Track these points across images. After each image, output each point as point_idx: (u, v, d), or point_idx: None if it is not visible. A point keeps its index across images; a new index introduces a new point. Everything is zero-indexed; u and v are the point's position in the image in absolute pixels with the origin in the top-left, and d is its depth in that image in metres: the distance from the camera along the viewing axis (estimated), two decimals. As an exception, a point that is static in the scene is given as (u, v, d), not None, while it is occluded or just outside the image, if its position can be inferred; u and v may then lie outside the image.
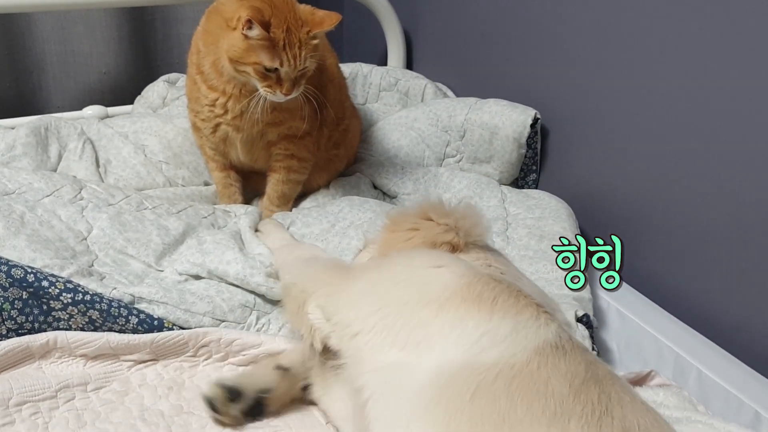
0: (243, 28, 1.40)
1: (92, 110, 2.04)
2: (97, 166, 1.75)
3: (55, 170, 1.73)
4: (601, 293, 1.54)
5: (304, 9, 1.47)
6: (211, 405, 1.15)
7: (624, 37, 1.64)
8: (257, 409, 1.18)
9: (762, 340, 1.38)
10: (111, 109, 2.08)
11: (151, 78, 2.32)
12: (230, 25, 1.43)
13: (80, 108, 2.13)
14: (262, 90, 1.46)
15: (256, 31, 1.39)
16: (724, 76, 1.43)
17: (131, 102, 2.18)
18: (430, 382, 0.92)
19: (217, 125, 1.63)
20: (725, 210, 1.46)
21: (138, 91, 2.21)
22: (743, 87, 1.39)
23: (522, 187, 1.94)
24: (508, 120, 1.86)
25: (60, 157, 1.75)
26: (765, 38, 1.33)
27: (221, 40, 1.46)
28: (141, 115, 1.93)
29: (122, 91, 2.33)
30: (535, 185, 1.94)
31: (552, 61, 1.87)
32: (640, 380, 1.23)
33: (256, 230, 1.56)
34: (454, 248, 1.20)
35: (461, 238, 1.20)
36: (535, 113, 1.86)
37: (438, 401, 0.90)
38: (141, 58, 2.39)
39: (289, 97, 1.47)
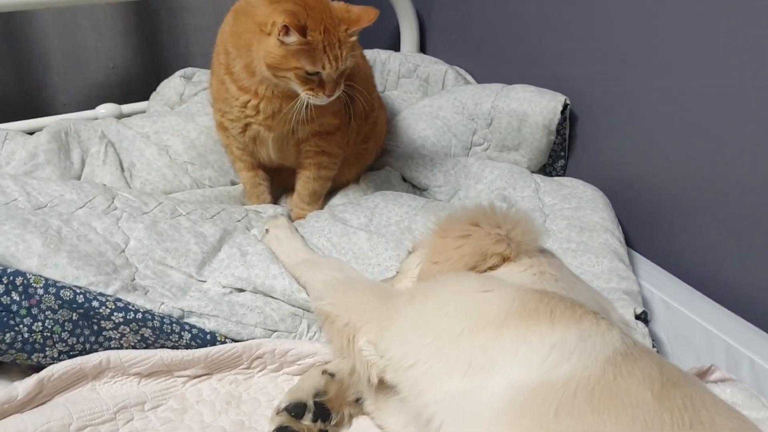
0: (279, 35, 1.35)
1: (106, 109, 2.00)
2: (122, 170, 1.70)
3: (79, 177, 1.68)
4: (645, 284, 1.53)
5: (339, 6, 1.43)
6: (286, 430, 1.14)
7: (656, 17, 1.61)
8: (324, 414, 1.18)
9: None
10: (125, 107, 2.03)
11: (160, 71, 2.27)
12: (264, 30, 1.38)
13: (89, 105, 2.09)
14: (304, 94, 1.42)
15: (293, 38, 1.35)
16: (758, 60, 1.41)
17: (142, 97, 2.13)
18: (507, 404, 0.91)
19: (247, 125, 1.60)
20: (762, 193, 1.45)
21: (148, 86, 2.16)
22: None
23: (550, 174, 1.93)
24: (537, 107, 1.83)
25: (83, 162, 1.70)
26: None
27: (255, 45, 1.41)
28: (160, 113, 1.88)
29: (131, 85, 2.28)
30: (563, 171, 1.93)
31: (578, 42, 1.83)
32: (700, 376, 1.23)
33: (266, 230, 1.53)
34: (504, 259, 1.19)
35: (512, 249, 1.19)
36: (565, 99, 1.83)
37: (521, 423, 0.89)
38: (148, 50, 2.33)
39: (331, 98, 1.43)
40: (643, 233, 1.73)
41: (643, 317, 1.34)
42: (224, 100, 1.58)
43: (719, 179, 1.54)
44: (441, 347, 1.02)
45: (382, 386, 1.14)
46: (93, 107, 2.04)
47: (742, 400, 1.15)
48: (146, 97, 2.12)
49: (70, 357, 1.22)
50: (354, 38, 1.42)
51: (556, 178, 1.85)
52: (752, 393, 1.18)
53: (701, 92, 1.54)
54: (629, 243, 1.73)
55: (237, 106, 1.56)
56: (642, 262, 1.65)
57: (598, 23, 1.76)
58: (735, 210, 1.51)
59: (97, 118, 1.94)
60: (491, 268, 1.20)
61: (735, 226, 1.52)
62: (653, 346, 1.31)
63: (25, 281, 1.21)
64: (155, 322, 1.24)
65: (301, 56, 1.38)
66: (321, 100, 1.44)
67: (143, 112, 2.02)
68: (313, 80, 1.42)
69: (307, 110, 1.50)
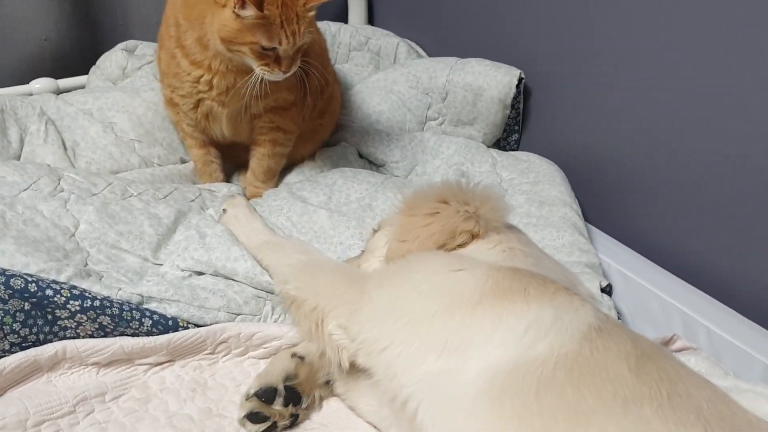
0: (235, 7, 1.29)
1: (41, 83, 1.90)
2: (65, 149, 1.61)
3: (18, 157, 1.59)
4: (602, 256, 1.56)
5: (297, -21, 1.38)
6: (257, 416, 1.11)
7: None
8: (295, 398, 1.16)
9: (760, 293, 1.44)
10: (62, 82, 1.93)
11: (96, 43, 2.16)
12: (219, 1, 1.32)
13: (21, 80, 1.98)
14: (259, 69, 1.37)
15: (249, 12, 1.29)
16: (708, 33, 1.44)
17: (79, 71, 2.02)
18: (486, 385, 0.90)
19: (200, 101, 1.54)
20: (715, 165, 1.49)
21: (84, 59, 2.05)
22: (726, 42, 1.41)
23: (504, 148, 1.93)
24: (492, 81, 1.83)
25: (22, 141, 1.61)
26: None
27: (208, 17, 1.35)
28: (102, 89, 1.79)
29: (66, 59, 2.14)
30: (517, 145, 1.93)
31: (530, 15, 1.83)
32: (663, 345, 1.26)
33: (224, 210, 1.48)
34: (473, 236, 1.18)
35: (481, 226, 1.18)
36: (520, 73, 1.83)
37: (502, 402, 0.88)
38: (82, 21, 2.19)
39: (287, 74, 1.39)
40: (596, 206, 1.76)
41: (608, 290, 1.36)
42: (175, 75, 1.51)
43: (672, 152, 1.57)
44: (415, 328, 1.00)
45: (353, 368, 1.13)
46: (26, 82, 1.93)
47: (706, 368, 1.18)
48: (83, 71, 2.02)
49: (23, 349, 1.15)
50: (312, 13, 1.38)
51: (512, 152, 1.86)
52: (714, 362, 1.22)
53: (654, 66, 1.56)
54: (583, 216, 1.75)
55: (189, 82, 1.49)
56: (597, 234, 1.67)
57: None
58: (687, 182, 1.55)
59: (32, 94, 1.84)
60: (460, 246, 1.19)
61: (687, 198, 1.55)
62: (618, 318, 1.33)
63: (-30, 271, 1.13)
64: (114, 309, 1.19)
65: (257, 31, 1.32)
66: (276, 76, 1.40)
67: (82, 87, 1.92)
68: (268, 55, 1.38)
69: (261, 85, 1.45)
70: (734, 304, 1.45)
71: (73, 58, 2.15)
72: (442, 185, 1.25)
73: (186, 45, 1.45)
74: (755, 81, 1.38)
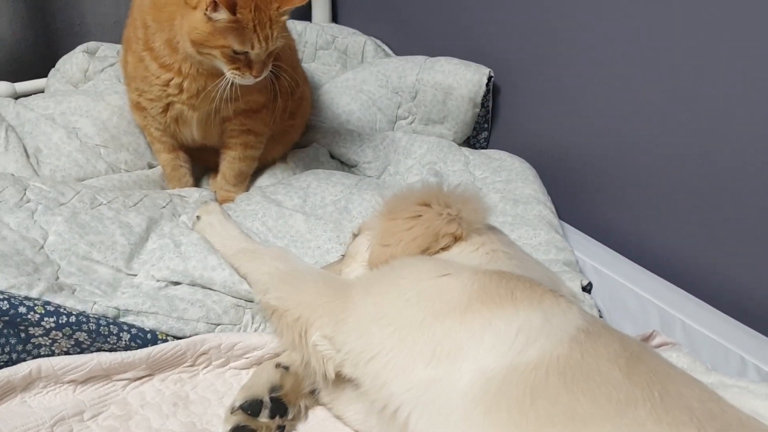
0: (207, 10, 1.26)
1: (-2, 87, 1.82)
2: (27, 156, 1.56)
3: (-23, 166, 1.52)
4: (576, 253, 1.57)
5: (270, -18, 1.35)
6: (243, 430, 1.09)
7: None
8: (282, 409, 1.14)
9: (733, 287, 1.47)
10: (19, 85, 1.86)
11: (54, 44, 2.09)
12: (189, 3, 1.29)
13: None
14: (230, 73, 1.34)
15: (222, 15, 1.26)
16: (676, 30, 1.46)
17: (35, 74, 1.95)
18: (480, 392, 0.90)
19: (169, 104, 1.50)
20: (686, 161, 1.51)
21: (41, 61, 1.98)
22: (693, 41, 1.43)
23: (474, 146, 1.93)
24: (462, 79, 1.82)
25: (-19, 149, 1.54)
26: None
27: (178, 19, 1.32)
28: (64, 93, 1.73)
29: (21, 61, 2.06)
30: (487, 143, 1.94)
31: (498, 13, 1.83)
32: (644, 341, 1.28)
33: (197, 217, 1.45)
34: (456, 239, 1.18)
35: (464, 228, 1.18)
36: (489, 71, 1.83)
37: (497, 409, 0.88)
38: (39, 21, 2.12)
39: (258, 79, 1.36)
40: (568, 203, 1.77)
41: (588, 288, 1.38)
42: (143, 78, 1.47)
43: (642, 148, 1.59)
44: (404, 337, 0.99)
45: (339, 377, 1.11)
46: (-20, 86, 1.86)
47: (687, 364, 1.20)
48: (40, 75, 1.95)
49: (-5, 369, 1.11)
50: (285, 17, 1.35)
51: (483, 150, 1.86)
52: (695, 357, 1.24)
53: (622, 62, 1.58)
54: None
55: (158, 85, 1.45)
56: (570, 231, 1.69)
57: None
58: (659, 178, 1.57)
59: (-11, 99, 1.77)
60: (443, 249, 1.19)
61: (659, 194, 1.58)
62: (600, 316, 1.35)
63: (-63, 289, 1.08)
64: (91, 324, 1.15)
65: (229, 34, 1.29)
66: (247, 80, 1.37)
67: (41, 91, 1.86)
68: (240, 59, 1.35)
69: (232, 88, 1.42)
70: (708, 298, 1.48)
71: (30, 60, 2.08)
72: (423, 188, 1.24)
73: (155, 47, 1.41)
74: (724, 78, 1.40)
